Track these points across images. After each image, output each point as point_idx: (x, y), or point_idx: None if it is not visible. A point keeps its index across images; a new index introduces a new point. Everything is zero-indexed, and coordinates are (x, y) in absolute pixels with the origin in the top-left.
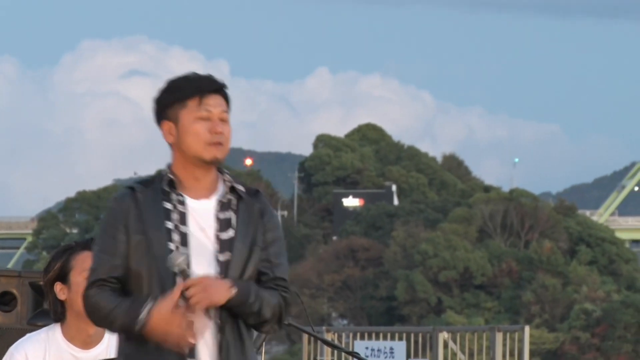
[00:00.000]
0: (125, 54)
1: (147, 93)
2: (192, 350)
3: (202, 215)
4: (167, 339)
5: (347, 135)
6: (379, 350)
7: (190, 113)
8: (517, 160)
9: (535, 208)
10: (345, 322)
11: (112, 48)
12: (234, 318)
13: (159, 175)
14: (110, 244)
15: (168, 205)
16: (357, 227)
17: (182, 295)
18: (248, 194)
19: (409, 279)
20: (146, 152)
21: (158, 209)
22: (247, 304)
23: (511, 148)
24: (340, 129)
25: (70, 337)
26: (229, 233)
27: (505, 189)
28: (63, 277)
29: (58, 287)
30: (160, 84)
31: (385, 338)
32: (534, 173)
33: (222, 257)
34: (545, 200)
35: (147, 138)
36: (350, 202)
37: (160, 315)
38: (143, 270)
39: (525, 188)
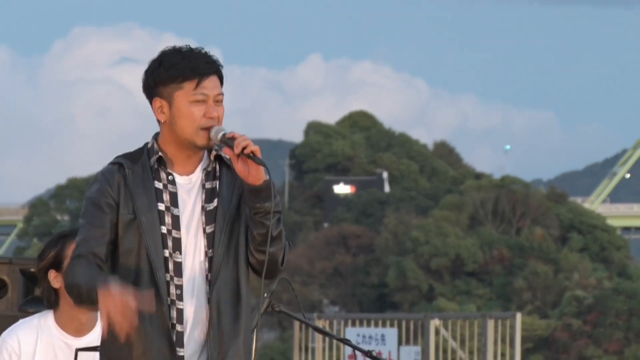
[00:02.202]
0: (117, 40)
1: (139, 80)
2: (180, 339)
3: (190, 189)
4: (108, 317)
5: (338, 123)
6: (370, 337)
7: (186, 95)
8: (508, 147)
9: (527, 195)
10: (336, 309)
11: (103, 35)
12: (230, 304)
13: (146, 149)
14: (97, 218)
15: (158, 185)
16: (348, 214)
17: (228, 142)
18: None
19: (400, 266)
20: (138, 139)
21: (149, 189)
22: (276, 198)
23: (504, 135)
24: (332, 116)
25: (62, 324)
26: (214, 203)
27: (497, 176)
28: (57, 265)
29: (52, 274)
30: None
31: (376, 325)
32: (526, 160)
33: (209, 229)
34: (537, 188)
35: (139, 125)
36: (341, 189)
37: (111, 293)
38: (134, 251)
39: (516, 175)
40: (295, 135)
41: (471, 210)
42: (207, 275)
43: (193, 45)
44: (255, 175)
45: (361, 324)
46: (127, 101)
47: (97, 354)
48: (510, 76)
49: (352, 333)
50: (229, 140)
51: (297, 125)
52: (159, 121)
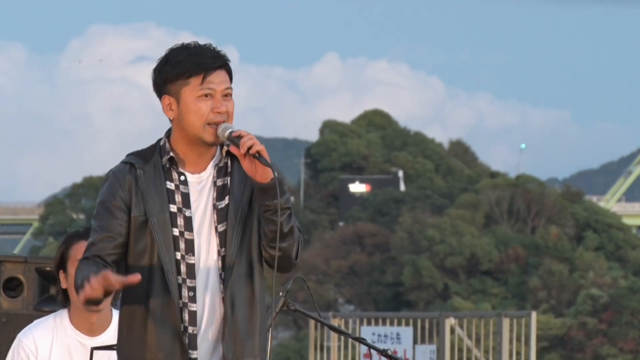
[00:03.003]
0: (133, 39)
1: None
2: (193, 341)
3: (202, 188)
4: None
5: (354, 121)
6: (385, 335)
7: (192, 91)
8: (523, 146)
9: (542, 194)
10: (351, 307)
11: (120, 33)
12: (244, 294)
13: (158, 148)
14: (106, 221)
15: (170, 186)
16: (363, 213)
17: (234, 140)
18: None
19: (415, 265)
20: (153, 138)
21: (160, 190)
22: (286, 194)
23: (519, 134)
24: (348, 115)
25: (76, 324)
26: (225, 201)
27: (512, 175)
28: (63, 265)
29: (62, 275)
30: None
31: (392, 324)
32: (541, 159)
33: (221, 228)
34: (552, 186)
35: (155, 123)
36: (357, 188)
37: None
38: (146, 253)
39: (532, 174)
40: (311, 134)
41: (486, 209)
42: (220, 274)
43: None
44: (262, 173)
45: (376, 323)
46: (143, 100)
47: (112, 353)
48: (526, 75)
49: (367, 332)
50: (235, 139)
51: (313, 124)
52: (169, 119)
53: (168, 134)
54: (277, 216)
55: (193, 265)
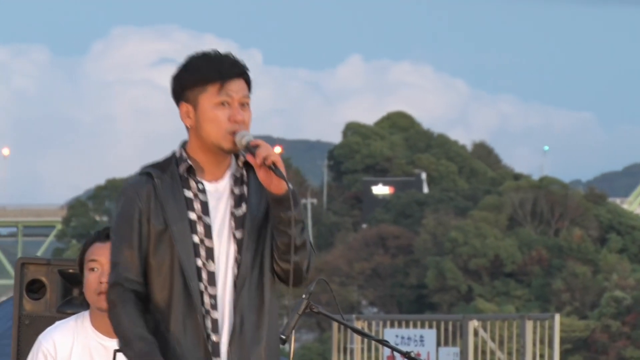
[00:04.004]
0: (156, 41)
1: None
2: (216, 349)
3: (220, 196)
4: None
5: (377, 123)
6: (409, 338)
7: (210, 98)
8: (547, 148)
9: (565, 196)
10: (375, 310)
11: (143, 36)
12: (256, 294)
13: (174, 158)
14: (129, 234)
15: (189, 194)
16: (386, 215)
17: (251, 149)
18: None
19: (439, 267)
20: (176, 140)
21: (179, 198)
22: (299, 207)
23: (543, 136)
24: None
25: (96, 326)
26: (243, 209)
27: (536, 177)
28: (81, 269)
29: (83, 278)
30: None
31: (415, 326)
32: (565, 161)
33: (238, 235)
34: (576, 188)
35: (178, 126)
36: (380, 190)
37: None
38: (166, 262)
39: (555, 176)
40: (334, 136)
41: (510, 211)
42: (234, 281)
43: (234, 49)
44: (277, 184)
45: (400, 325)
46: (166, 102)
47: None
48: (550, 77)
49: (390, 334)
50: (252, 148)
51: (336, 126)
52: (186, 127)
53: (183, 144)
54: (291, 228)
55: (213, 273)
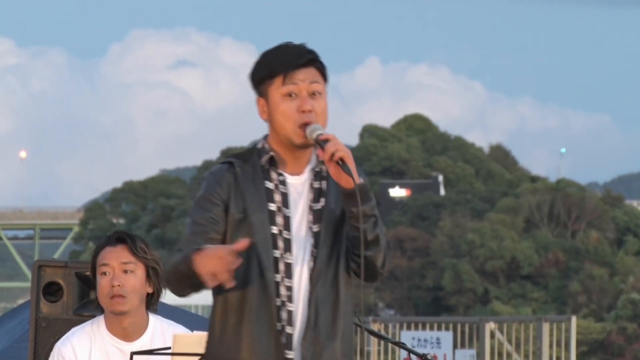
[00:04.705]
0: (174, 44)
1: (196, 84)
2: (290, 341)
3: (300, 189)
4: (206, 272)
5: (394, 126)
6: (425, 340)
7: (277, 90)
8: (564, 150)
9: (582, 198)
10: (392, 312)
11: (161, 38)
12: (332, 289)
13: (256, 149)
14: (205, 216)
15: (269, 185)
16: (403, 218)
17: (321, 143)
18: None
19: (455, 269)
20: (193, 142)
21: (259, 189)
22: (371, 202)
23: (560, 138)
24: (388, 119)
25: (111, 329)
26: (321, 203)
27: (553, 179)
28: (94, 274)
29: (96, 282)
30: (210, 75)
31: (432, 328)
32: (582, 163)
33: (315, 228)
34: (593, 191)
35: (195, 128)
36: (397, 192)
37: (207, 253)
38: (244, 252)
39: (572, 178)
40: (351, 139)
41: (527, 213)
42: (310, 275)
43: (252, 52)
44: (346, 179)
45: (416, 328)
46: (184, 104)
47: (150, 358)
48: (568, 79)
49: (407, 336)
50: (322, 142)
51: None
52: (265, 121)
53: (265, 137)
54: (359, 223)
55: (291, 264)
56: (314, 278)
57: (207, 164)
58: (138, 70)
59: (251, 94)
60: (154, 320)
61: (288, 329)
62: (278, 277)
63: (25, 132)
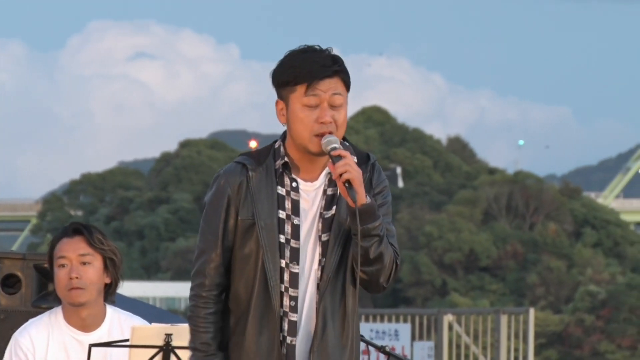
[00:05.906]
0: (134, 36)
1: (156, 76)
2: (291, 352)
3: (313, 196)
4: None
5: (352, 118)
6: (383, 332)
7: (298, 98)
8: (521, 142)
9: (540, 190)
10: None
11: (120, 30)
12: (338, 294)
13: (273, 150)
14: (216, 226)
15: (281, 191)
16: None
17: (334, 159)
18: (358, 163)
19: (413, 261)
20: (152, 134)
21: (271, 194)
22: (375, 222)
23: (519, 131)
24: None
25: (69, 320)
26: (332, 211)
27: (511, 171)
28: (51, 266)
29: (53, 274)
30: (169, 67)
31: (390, 320)
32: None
33: (324, 237)
34: (550, 183)
35: (154, 120)
36: None
37: None
38: (251, 258)
39: (530, 170)
40: None
41: (485, 205)
42: (318, 285)
43: (211, 44)
44: (351, 198)
45: (375, 320)
46: (144, 97)
47: (108, 350)
48: (527, 71)
49: (365, 328)
50: (334, 158)
51: None
52: (283, 125)
53: (283, 137)
54: (364, 240)
55: (297, 274)
56: (322, 288)
57: (165, 156)
58: (97, 62)
59: (210, 87)
60: (112, 311)
61: (289, 339)
62: (283, 287)
63: None
